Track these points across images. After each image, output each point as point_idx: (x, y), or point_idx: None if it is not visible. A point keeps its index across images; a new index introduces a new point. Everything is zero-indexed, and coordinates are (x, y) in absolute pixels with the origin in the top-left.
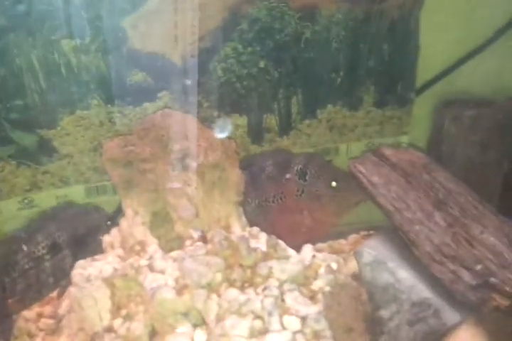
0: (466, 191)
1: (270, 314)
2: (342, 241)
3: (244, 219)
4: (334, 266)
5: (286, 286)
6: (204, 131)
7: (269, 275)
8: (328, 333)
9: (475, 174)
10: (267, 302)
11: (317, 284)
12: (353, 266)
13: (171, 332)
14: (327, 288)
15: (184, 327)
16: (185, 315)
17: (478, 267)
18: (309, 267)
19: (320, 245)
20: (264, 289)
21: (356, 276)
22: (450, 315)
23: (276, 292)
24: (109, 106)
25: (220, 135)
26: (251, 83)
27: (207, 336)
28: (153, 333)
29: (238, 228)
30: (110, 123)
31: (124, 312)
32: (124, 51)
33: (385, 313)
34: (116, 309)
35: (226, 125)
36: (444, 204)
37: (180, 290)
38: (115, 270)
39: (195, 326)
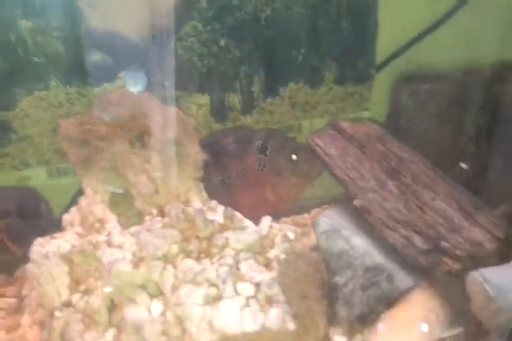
0: (418, 159)
1: (224, 281)
2: (305, 215)
3: (204, 194)
4: (291, 235)
5: (241, 255)
6: (162, 109)
7: (225, 246)
8: (281, 298)
9: (431, 146)
10: (222, 271)
11: (273, 253)
12: (313, 238)
13: (129, 304)
14: (282, 256)
15: (141, 299)
16: (143, 287)
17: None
18: (266, 237)
19: (284, 219)
20: (220, 259)
21: (316, 248)
22: (403, 280)
23: (231, 261)
24: (67, 86)
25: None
26: (212, 61)
27: (163, 306)
28: (112, 306)
29: (198, 203)
30: (69, 104)
31: (82, 287)
32: (81, 31)
33: (339, 279)
34: (74, 284)
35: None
36: (396, 172)
37: (137, 263)
38: (73, 247)
39: (152, 297)
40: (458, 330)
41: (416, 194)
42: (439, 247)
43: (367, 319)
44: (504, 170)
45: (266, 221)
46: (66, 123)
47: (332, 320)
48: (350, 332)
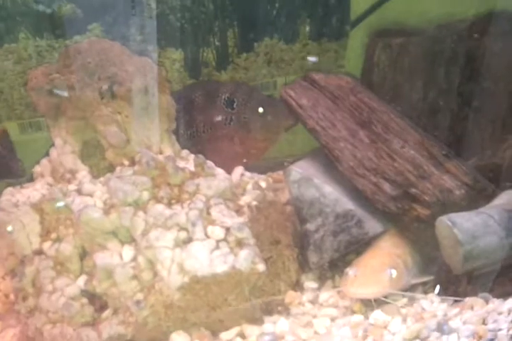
0: (389, 109)
1: (194, 225)
2: (281, 172)
3: (177, 145)
4: (263, 184)
5: (212, 201)
6: (132, 58)
7: (196, 192)
8: (251, 241)
9: (404, 100)
10: (192, 214)
11: (244, 200)
12: (287, 193)
13: (101, 250)
14: (254, 203)
15: (112, 245)
16: (114, 233)
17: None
18: (238, 185)
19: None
20: (190, 204)
21: (289, 202)
22: (372, 225)
23: (201, 205)
24: (37, 39)
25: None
26: (185, 15)
27: (134, 251)
28: (83, 254)
29: (171, 154)
30: (40, 57)
31: (53, 235)
32: None
33: (311, 226)
34: (45, 233)
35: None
36: (368, 122)
37: (107, 210)
38: (43, 196)
39: (123, 243)
40: (428, 277)
41: (386, 142)
42: (408, 193)
43: (337, 265)
44: (475, 124)
45: (238, 170)
46: (34, 72)
47: (303, 266)
48: (321, 278)
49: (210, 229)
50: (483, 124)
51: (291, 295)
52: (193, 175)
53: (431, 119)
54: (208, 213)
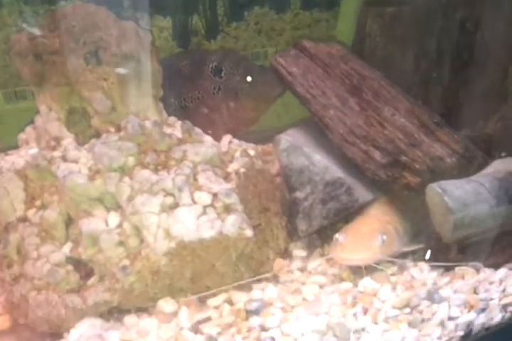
0: (379, 77)
1: (181, 190)
2: (270, 144)
3: (165, 113)
4: (252, 152)
5: (199, 167)
6: (117, 22)
7: (183, 158)
8: (239, 207)
9: (395, 69)
10: (178, 180)
11: (232, 167)
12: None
13: (86, 217)
14: (242, 170)
15: (98, 211)
16: (99, 199)
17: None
18: (226, 153)
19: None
20: (177, 170)
21: (278, 174)
22: (362, 193)
23: (188, 171)
24: (21, 4)
25: None
26: None
27: (120, 218)
28: (69, 221)
29: (158, 120)
30: (25, 22)
31: (38, 202)
32: None
33: (300, 194)
34: (30, 200)
35: None
36: (358, 90)
37: (92, 175)
38: (28, 162)
39: (108, 209)
40: (418, 246)
41: (377, 110)
42: (399, 161)
43: (326, 233)
44: (467, 95)
45: (226, 138)
46: (18, 36)
47: (292, 234)
48: (310, 247)
49: (197, 194)
50: (474, 95)
51: (279, 263)
52: (180, 141)
53: (422, 89)
54: (195, 179)
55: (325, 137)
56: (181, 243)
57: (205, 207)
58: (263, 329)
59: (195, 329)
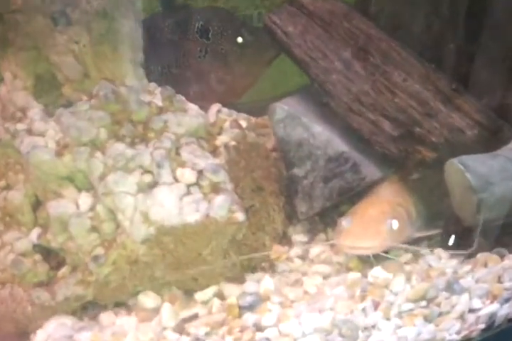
0: (388, 37)
1: (160, 166)
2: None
3: (146, 80)
4: (244, 123)
5: (183, 140)
6: None
7: (163, 130)
8: (229, 186)
9: (404, 32)
10: (157, 155)
11: (221, 139)
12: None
13: (55, 198)
14: (232, 143)
15: (68, 192)
16: (69, 178)
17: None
18: (214, 124)
19: None
20: (157, 143)
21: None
22: (369, 170)
23: (169, 144)
24: None
25: None
26: None
27: (92, 199)
28: (36, 203)
29: (135, 85)
30: None
31: (1, 182)
32: None
33: (299, 171)
34: None
35: None
36: (364, 52)
37: (60, 150)
38: None
39: (80, 190)
40: (435, 231)
41: (385, 75)
42: (412, 133)
43: (330, 216)
44: (484, 60)
45: (214, 107)
46: None
47: (291, 217)
48: (312, 231)
49: (179, 171)
50: (493, 60)
51: (277, 250)
52: (161, 110)
53: (434, 54)
54: (178, 154)
55: (327, 106)
56: (162, 228)
57: (189, 186)
58: (258, 328)
59: (180, 329)
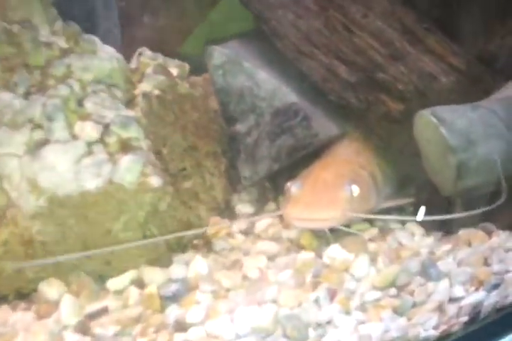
0: None
1: (51, 119)
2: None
3: (60, 22)
4: (175, 71)
5: (90, 88)
6: None
7: (66, 76)
8: (143, 144)
9: None
10: (50, 105)
11: (141, 87)
12: None
13: None
14: (156, 92)
15: None
16: None
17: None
18: (137, 70)
19: None
20: (51, 91)
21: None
22: (324, 125)
23: (66, 91)
24: None
25: None
26: None
27: None
28: None
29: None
30: None
31: None
32: None
33: (241, 127)
34: None
35: None
36: None
37: None
38: None
39: None
40: (405, 200)
41: (341, 10)
42: (374, 80)
43: (280, 181)
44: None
45: (138, 51)
46: None
47: (234, 183)
48: (259, 201)
49: (79, 126)
50: (475, 4)
51: (215, 223)
52: (64, 52)
53: None
54: (81, 104)
55: (274, 50)
56: (54, 198)
57: (90, 144)
58: (180, 327)
59: (83, 328)
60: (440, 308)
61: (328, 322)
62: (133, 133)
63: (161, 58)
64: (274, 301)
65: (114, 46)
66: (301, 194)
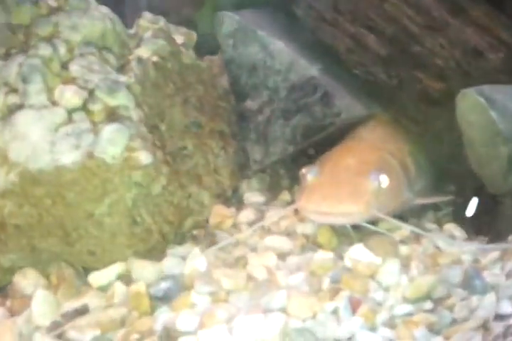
0: None
1: (27, 81)
2: None
3: None
4: (180, 39)
5: (78, 50)
6: None
7: (53, 36)
8: (133, 114)
9: None
10: (27, 66)
11: (137, 53)
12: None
13: None
14: (154, 58)
15: None
16: None
17: None
18: (135, 35)
19: None
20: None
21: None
22: (348, 103)
23: (47, 51)
24: None
25: None
26: None
27: None
28: None
29: None
30: None
31: None
32: None
33: (251, 104)
34: None
35: None
36: None
37: None
38: None
39: None
40: (443, 197)
41: None
42: (408, 53)
43: (295, 167)
44: None
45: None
46: None
47: (243, 168)
48: (272, 188)
49: (59, 90)
50: None
51: (219, 212)
52: (52, 10)
53: None
54: (65, 67)
55: (292, 19)
56: (26, 174)
57: (71, 111)
58: (168, 336)
59: (57, 330)
60: (484, 326)
61: (349, 339)
62: (121, 100)
63: (162, 22)
64: (283, 310)
65: (116, 11)
66: (318, 182)
